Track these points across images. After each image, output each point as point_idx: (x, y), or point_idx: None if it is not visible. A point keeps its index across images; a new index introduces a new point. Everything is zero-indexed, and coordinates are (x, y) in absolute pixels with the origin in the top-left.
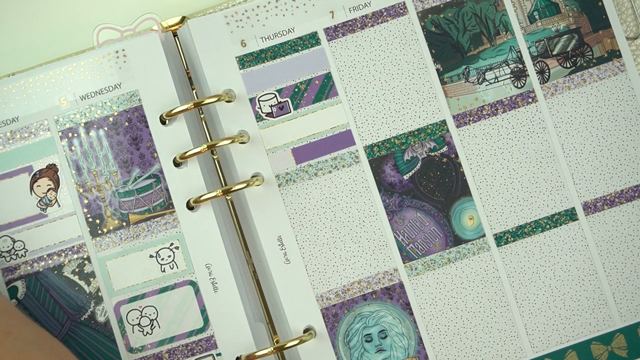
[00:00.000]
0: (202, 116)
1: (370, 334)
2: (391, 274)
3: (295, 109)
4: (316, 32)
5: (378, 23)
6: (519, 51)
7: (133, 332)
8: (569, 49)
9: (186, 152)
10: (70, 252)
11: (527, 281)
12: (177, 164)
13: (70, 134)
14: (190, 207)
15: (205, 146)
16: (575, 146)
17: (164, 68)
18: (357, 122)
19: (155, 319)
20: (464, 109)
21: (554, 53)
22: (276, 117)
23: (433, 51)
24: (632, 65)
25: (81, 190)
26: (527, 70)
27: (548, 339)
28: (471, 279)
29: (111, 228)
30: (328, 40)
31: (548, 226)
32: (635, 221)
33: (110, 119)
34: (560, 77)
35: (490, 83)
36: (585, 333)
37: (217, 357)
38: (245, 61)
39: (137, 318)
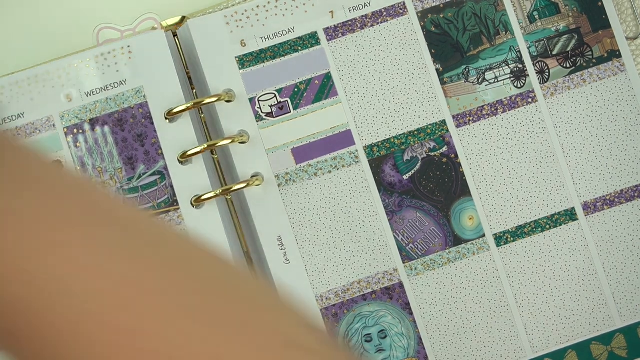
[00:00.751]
0: (202, 116)
1: (370, 334)
2: (391, 274)
3: (295, 109)
4: (316, 32)
5: (378, 23)
6: (519, 51)
7: None
8: (568, 49)
9: (186, 152)
10: None
11: (527, 281)
12: (181, 162)
13: (75, 130)
14: (194, 205)
15: (205, 146)
16: (575, 146)
17: (169, 65)
18: (357, 122)
19: None
20: (464, 109)
21: (554, 53)
22: (276, 117)
23: (433, 51)
24: (632, 65)
25: None
26: (527, 70)
27: (548, 339)
28: (471, 279)
29: None
30: (328, 40)
31: (548, 226)
32: (635, 221)
33: (116, 115)
34: (560, 77)
35: (490, 83)
36: (585, 333)
37: None
38: (245, 61)
39: None
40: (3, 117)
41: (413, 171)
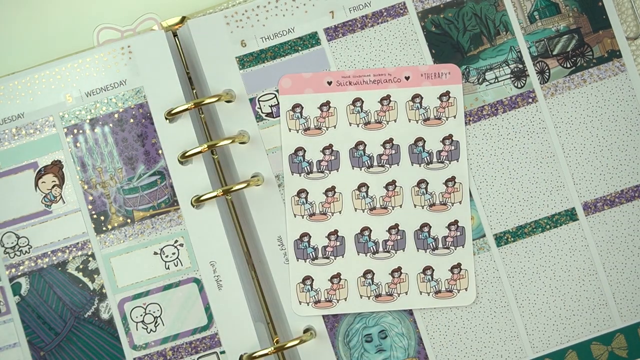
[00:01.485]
0: (202, 116)
1: (370, 334)
2: None
3: None
4: (316, 32)
5: (378, 23)
6: (519, 51)
7: (137, 330)
8: (569, 49)
9: (186, 152)
10: (74, 249)
11: (527, 281)
12: (181, 162)
13: (75, 131)
14: (194, 205)
15: (205, 146)
16: (575, 146)
17: (169, 65)
18: None
19: (159, 316)
20: (464, 109)
21: (554, 53)
22: (276, 117)
23: (433, 51)
24: (632, 65)
25: (86, 186)
26: (527, 70)
27: (548, 339)
28: None
29: (116, 225)
30: (328, 41)
31: (548, 226)
32: (635, 221)
33: (116, 115)
34: (561, 77)
35: (491, 83)
36: (586, 333)
37: (221, 355)
38: (245, 61)
39: (141, 315)
40: (3, 117)
41: None
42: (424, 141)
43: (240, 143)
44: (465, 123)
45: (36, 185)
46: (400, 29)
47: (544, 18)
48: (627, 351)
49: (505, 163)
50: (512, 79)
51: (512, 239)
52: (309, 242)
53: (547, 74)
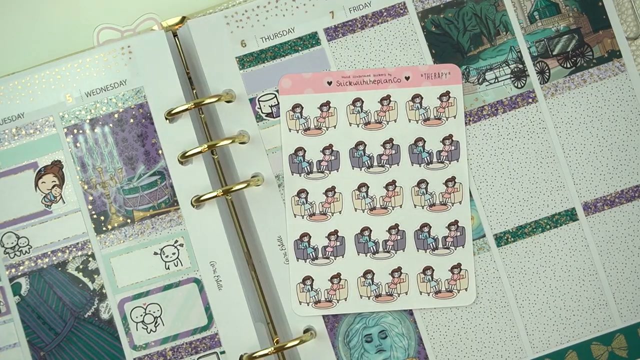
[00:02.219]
0: (202, 116)
1: (370, 334)
2: None
3: None
4: (316, 32)
5: (378, 23)
6: (519, 51)
7: (137, 330)
8: (569, 49)
9: (186, 152)
10: (74, 249)
11: (527, 281)
12: (181, 162)
13: (75, 131)
14: (194, 205)
15: (205, 146)
16: (575, 146)
17: (169, 65)
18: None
19: (159, 316)
20: (464, 109)
21: (554, 53)
22: (276, 117)
23: (433, 51)
24: (632, 66)
25: (86, 186)
26: (527, 70)
27: (548, 339)
28: None
29: (116, 225)
30: (328, 41)
31: (548, 226)
32: (635, 221)
33: (116, 115)
34: (561, 77)
35: (491, 83)
36: (586, 333)
37: (221, 355)
38: (245, 61)
39: (141, 315)
40: (3, 117)
41: None
42: (424, 141)
43: (240, 143)
44: (466, 123)
45: (36, 185)
46: (401, 29)
47: (544, 18)
48: (627, 351)
49: (505, 163)
50: (512, 79)
51: (512, 239)
52: (309, 242)
53: (547, 74)
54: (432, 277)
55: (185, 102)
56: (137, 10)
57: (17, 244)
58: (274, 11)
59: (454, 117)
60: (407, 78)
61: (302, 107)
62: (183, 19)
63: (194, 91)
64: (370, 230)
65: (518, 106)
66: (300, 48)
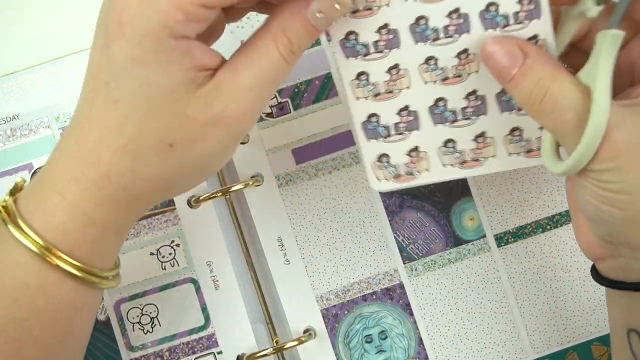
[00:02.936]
0: None
1: (370, 334)
2: (391, 274)
3: (295, 109)
4: None
5: None
6: None
7: (133, 330)
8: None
9: None
10: None
11: (528, 282)
12: None
13: None
14: (191, 205)
15: None
16: None
17: None
18: None
19: (156, 317)
20: None
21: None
22: (276, 117)
23: None
24: None
25: None
26: None
27: (549, 339)
28: (472, 279)
29: None
30: (328, 41)
31: (549, 227)
32: None
33: None
34: None
35: None
36: (586, 334)
37: (218, 356)
38: None
39: (138, 316)
40: None
41: None
42: (497, 5)
43: (241, 143)
44: None
45: None
46: None
47: None
48: None
49: None
50: None
51: (513, 240)
52: (377, 121)
53: None
54: (522, 138)
55: None
56: None
57: None
58: None
59: None
60: None
61: None
62: None
63: None
64: (446, 100)
65: None
66: None
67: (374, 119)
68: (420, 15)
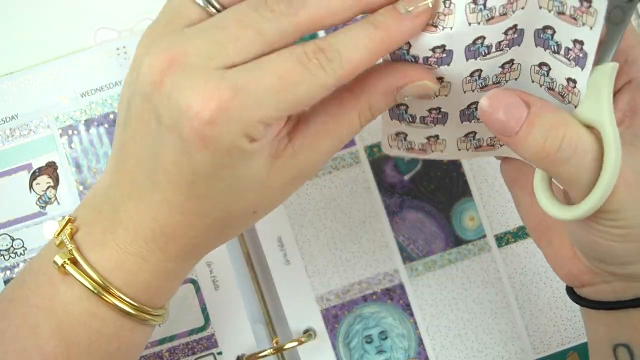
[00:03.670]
0: None
1: (370, 335)
2: (391, 274)
3: None
4: (316, 33)
5: None
6: None
7: None
8: None
9: None
10: None
11: (528, 282)
12: None
13: (70, 132)
14: None
15: None
16: None
17: None
18: None
19: None
20: None
21: None
22: None
23: None
24: None
25: (81, 188)
26: None
27: (549, 340)
28: (472, 279)
29: None
30: None
31: None
32: None
33: (111, 116)
34: None
35: None
36: None
37: (217, 356)
38: None
39: None
40: None
41: (414, 171)
42: (553, 30)
43: None
44: None
45: (31, 186)
46: None
47: None
48: None
49: None
50: None
51: (513, 240)
52: (406, 110)
53: None
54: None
55: None
56: (136, 12)
57: (12, 245)
58: None
59: None
60: None
61: None
62: None
63: None
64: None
65: None
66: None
67: (402, 107)
68: (479, 36)
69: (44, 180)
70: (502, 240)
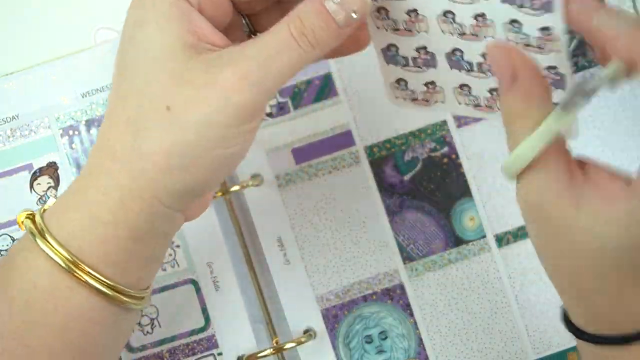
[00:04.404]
0: None
1: (370, 335)
2: (391, 275)
3: (295, 109)
4: None
5: None
6: None
7: (133, 332)
8: (570, 49)
9: None
10: None
11: (528, 282)
12: None
13: (71, 132)
14: None
15: None
16: (576, 146)
17: None
18: (357, 122)
19: (156, 318)
20: None
21: None
22: (276, 117)
23: None
24: None
25: None
26: None
27: (549, 340)
28: (472, 279)
29: None
30: None
31: None
32: None
33: None
34: None
35: None
36: None
37: (218, 357)
38: None
39: None
40: None
41: (414, 172)
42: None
43: None
44: (466, 123)
45: (31, 186)
46: None
47: None
48: None
49: None
50: None
51: (513, 240)
52: (397, 51)
53: None
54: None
55: None
56: None
57: None
58: None
59: None
60: None
61: None
62: None
63: None
64: (462, 52)
65: None
66: None
67: (393, 49)
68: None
69: (44, 181)
70: (502, 240)
